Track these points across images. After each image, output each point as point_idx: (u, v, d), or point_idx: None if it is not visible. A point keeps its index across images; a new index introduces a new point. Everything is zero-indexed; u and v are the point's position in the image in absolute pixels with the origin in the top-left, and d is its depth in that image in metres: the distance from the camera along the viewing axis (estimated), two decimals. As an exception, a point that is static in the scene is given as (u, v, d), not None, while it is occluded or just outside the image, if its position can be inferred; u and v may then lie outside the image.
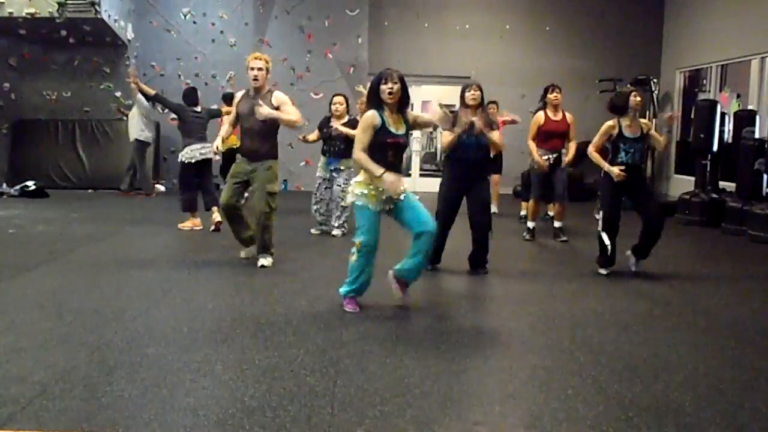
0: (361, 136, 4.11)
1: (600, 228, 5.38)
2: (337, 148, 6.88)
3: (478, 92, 5.30)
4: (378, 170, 4.01)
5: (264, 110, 5.08)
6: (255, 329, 3.80)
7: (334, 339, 3.67)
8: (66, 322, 3.84)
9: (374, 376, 3.13)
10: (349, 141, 6.85)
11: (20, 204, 9.11)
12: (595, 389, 3.04)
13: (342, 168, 6.92)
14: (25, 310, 4.09)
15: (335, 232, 7.02)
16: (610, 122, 5.38)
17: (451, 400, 2.90)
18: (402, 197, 4.13)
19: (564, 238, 7.07)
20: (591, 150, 5.47)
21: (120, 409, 2.70)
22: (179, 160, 7.21)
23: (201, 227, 7.23)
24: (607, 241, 5.35)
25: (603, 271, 5.46)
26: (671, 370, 3.31)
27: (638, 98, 5.32)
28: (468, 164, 5.29)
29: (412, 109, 4.36)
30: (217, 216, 7.04)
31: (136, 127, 9.96)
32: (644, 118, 5.82)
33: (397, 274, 4.27)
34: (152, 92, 7.57)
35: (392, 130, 4.10)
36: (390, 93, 4.05)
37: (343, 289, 4.30)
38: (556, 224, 7.22)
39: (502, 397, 2.96)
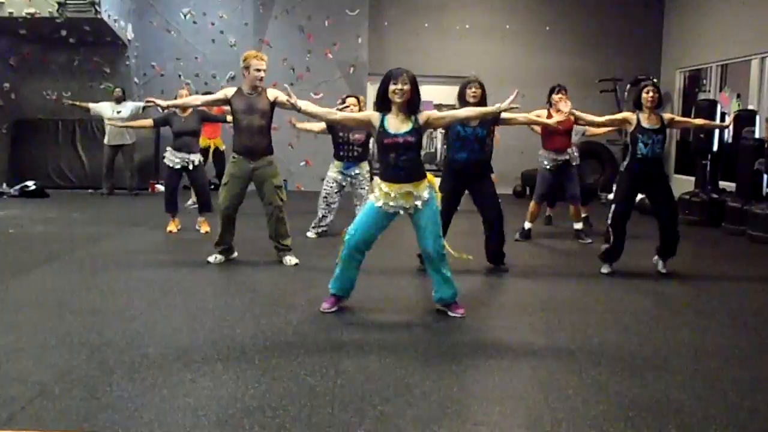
0: (355, 113, 4.15)
1: (608, 222, 5.35)
2: (355, 152, 6.73)
3: (480, 90, 5.21)
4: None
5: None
6: (255, 329, 3.80)
7: (334, 339, 3.67)
8: (66, 322, 3.84)
9: (374, 376, 3.13)
10: (365, 145, 6.84)
11: (20, 204, 9.10)
12: (595, 389, 3.04)
13: (360, 172, 6.80)
14: (25, 310, 4.09)
15: None
16: (629, 113, 5.41)
17: (451, 400, 2.90)
18: (419, 206, 4.04)
19: (588, 240, 6.91)
20: (595, 118, 5.55)
21: (120, 409, 2.70)
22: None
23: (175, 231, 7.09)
24: (612, 237, 5.33)
25: (605, 270, 5.44)
26: (671, 370, 3.31)
27: (650, 94, 5.22)
28: (466, 160, 5.24)
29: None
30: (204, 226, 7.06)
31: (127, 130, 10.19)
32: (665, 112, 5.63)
33: (440, 302, 4.24)
34: (150, 123, 7.34)
35: (390, 130, 4.00)
36: (398, 93, 3.95)
37: (329, 284, 4.27)
38: (576, 226, 7.09)
39: (502, 397, 2.96)
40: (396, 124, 4.03)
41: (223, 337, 3.65)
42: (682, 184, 10.32)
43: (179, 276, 5.10)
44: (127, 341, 3.55)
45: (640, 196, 5.90)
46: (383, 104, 4.05)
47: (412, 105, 4.02)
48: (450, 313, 4.18)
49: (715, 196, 8.58)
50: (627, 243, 5.45)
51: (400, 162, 4.01)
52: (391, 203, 4.04)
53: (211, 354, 3.38)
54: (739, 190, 8.13)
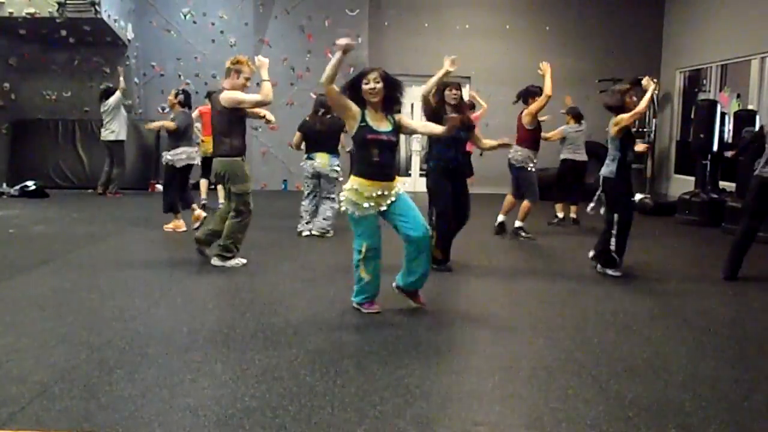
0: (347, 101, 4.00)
1: None
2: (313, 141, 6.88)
3: (459, 92, 5.45)
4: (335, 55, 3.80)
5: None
6: (255, 329, 3.80)
7: (333, 339, 3.68)
8: (66, 322, 3.84)
9: (374, 376, 3.13)
10: (322, 134, 6.84)
11: (20, 204, 9.10)
12: (595, 389, 3.05)
13: (318, 162, 6.80)
14: (25, 310, 4.09)
15: (315, 231, 6.84)
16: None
17: (451, 400, 2.90)
18: (394, 199, 4.03)
19: (523, 236, 7.03)
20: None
21: (120, 409, 2.70)
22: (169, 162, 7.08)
23: (185, 229, 7.05)
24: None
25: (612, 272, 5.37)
26: (671, 370, 3.31)
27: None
28: (447, 161, 5.34)
29: (411, 110, 4.31)
30: (199, 213, 7.13)
31: (124, 127, 10.14)
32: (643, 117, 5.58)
33: (405, 287, 4.21)
34: (174, 126, 7.14)
35: (374, 126, 3.99)
36: (372, 92, 3.94)
37: (357, 298, 4.18)
38: (499, 218, 7.38)
39: (502, 397, 2.96)
40: (377, 121, 4.01)
41: (223, 337, 3.65)
42: (682, 184, 10.32)
43: (179, 276, 5.10)
44: (127, 341, 3.55)
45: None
46: (355, 98, 3.99)
47: (388, 103, 4.03)
48: (413, 303, 4.22)
49: (715, 196, 8.58)
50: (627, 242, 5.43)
51: (382, 159, 4.00)
52: (365, 204, 3.97)
53: (211, 354, 3.38)
54: (739, 190, 8.13)
